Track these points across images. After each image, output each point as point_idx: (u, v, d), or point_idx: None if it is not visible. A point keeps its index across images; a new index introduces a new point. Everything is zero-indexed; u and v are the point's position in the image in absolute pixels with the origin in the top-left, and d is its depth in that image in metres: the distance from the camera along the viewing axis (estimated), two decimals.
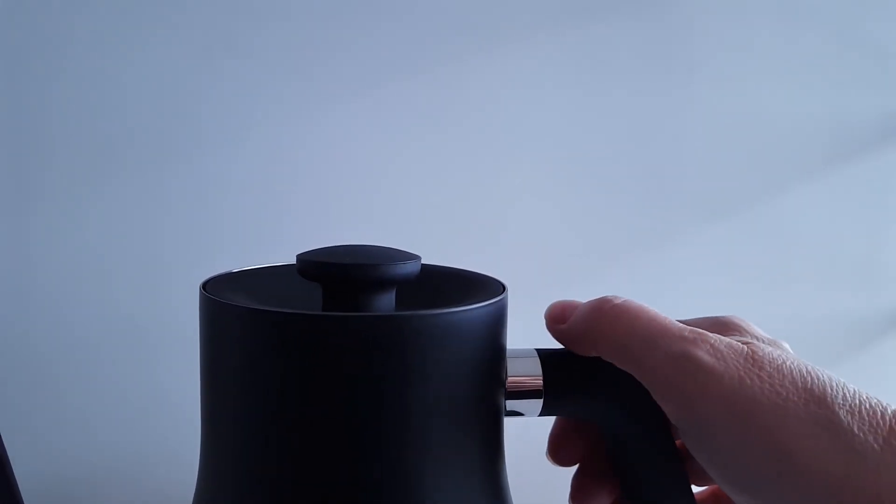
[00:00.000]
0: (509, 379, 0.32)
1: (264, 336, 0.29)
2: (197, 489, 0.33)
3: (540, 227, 0.58)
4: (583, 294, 0.57)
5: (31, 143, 0.52)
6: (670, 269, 0.60)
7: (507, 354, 0.32)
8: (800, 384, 0.26)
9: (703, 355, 0.27)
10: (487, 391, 0.31)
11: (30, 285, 0.53)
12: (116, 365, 0.54)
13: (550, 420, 0.35)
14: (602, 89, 0.58)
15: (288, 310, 0.29)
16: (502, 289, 0.33)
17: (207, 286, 0.32)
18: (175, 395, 0.53)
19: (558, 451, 0.34)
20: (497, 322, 0.31)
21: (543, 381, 0.32)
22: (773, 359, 0.26)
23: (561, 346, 0.34)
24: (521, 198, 0.57)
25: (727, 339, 0.28)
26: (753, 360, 0.26)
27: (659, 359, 0.27)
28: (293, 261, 0.33)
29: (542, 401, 0.32)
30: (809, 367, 0.26)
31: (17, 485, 0.36)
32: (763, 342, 0.29)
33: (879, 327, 0.64)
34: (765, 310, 0.62)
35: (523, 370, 0.32)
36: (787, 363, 0.26)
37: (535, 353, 0.33)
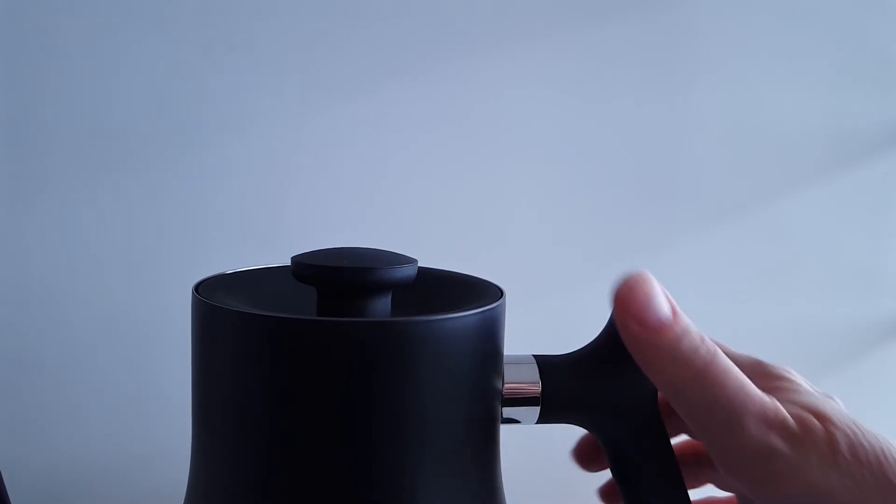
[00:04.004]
0: (506, 386, 0.32)
1: (257, 341, 0.28)
2: (187, 493, 0.32)
3: (538, 230, 0.57)
4: (584, 297, 0.57)
5: (26, 142, 0.51)
6: (670, 274, 0.59)
7: (505, 360, 0.32)
8: (876, 470, 0.25)
9: (783, 447, 0.26)
10: (484, 398, 0.31)
11: (24, 284, 0.52)
12: (110, 363, 0.53)
13: (549, 428, 0.34)
14: (602, 92, 0.57)
15: (281, 314, 0.28)
16: (500, 294, 0.32)
17: (200, 288, 0.32)
18: (170, 394, 0.53)
19: (586, 457, 0.34)
20: (494, 328, 0.31)
21: (541, 388, 0.32)
22: (851, 444, 0.26)
23: (559, 353, 0.33)
24: (520, 201, 0.57)
25: (807, 419, 0.27)
26: (831, 445, 0.26)
27: (738, 441, 0.27)
28: (288, 262, 0.32)
29: (539, 408, 0.32)
30: (886, 450, 0.26)
31: (3, 484, 0.36)
32: (815, 395, 0.28)
33: (880, 333, 0.63)
34: (764, 315, 0.61)
35: (521, 377, 0.32)
36: (864, 445, 0.26)
37: (533, 360, 0.32)
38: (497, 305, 0.31)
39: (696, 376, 0.27)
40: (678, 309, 0.28)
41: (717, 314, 0.60)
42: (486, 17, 0.55)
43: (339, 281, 0.31)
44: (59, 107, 0.51)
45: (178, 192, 0.53)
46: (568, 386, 0.32)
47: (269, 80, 0.53)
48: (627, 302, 0.27)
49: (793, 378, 0.30)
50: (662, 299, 0.27)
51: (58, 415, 0.53)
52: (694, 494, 0.33)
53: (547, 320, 0.54)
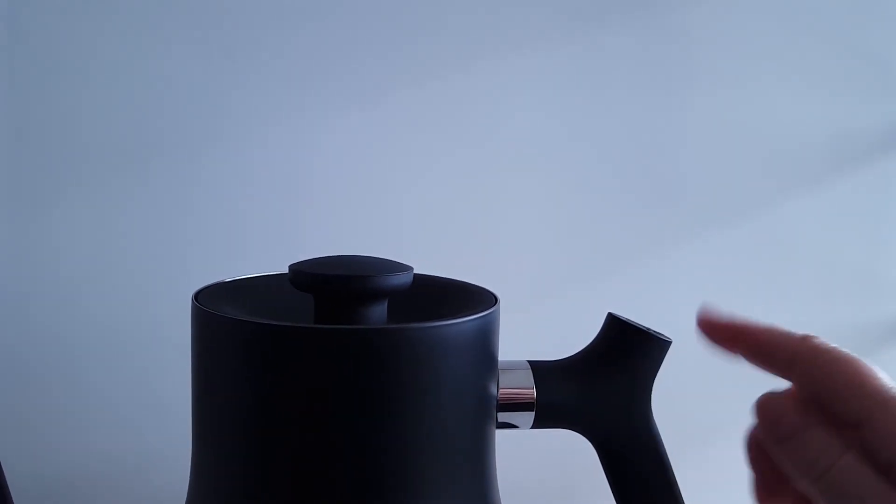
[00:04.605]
0: (501, 391, 0.32)
1: (256, 348, 0.29)
2: (189, 496, 0.33)
3: (534, 236, 0.57)
4: (578, 303, 0.57)
5: (28, 150, 0.52)
6: (668, 278, 0.59)
7: (500, 366, 0.32)
8: None
9: None
10: (479, 403, 0.31)
11: (24, 290, 0.53)
12: (110, 368, 0.54)
13: (544, 432, 0.35)
14: (601, 99, 0.57)
15: (280, 322, 0.29)
16: (494, 300, 0.33)
17: (199, 296, 0.32)
18: (170, 400, 0.53)
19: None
20: (489, 334, 0.31)
21: (536, 393, 0.32)
22: None
23: (553, 359, 0.34)
24: (514, 208, 0.57)
25: None
26: None
27: None
28: (285, 270, 0.33)
29: (533, 413, 0.32)
30: None
31: (7, 486, 0.36)
32: None
33: (879, 336, 0.63)
34: (764, 318, 0.62)
35: (515, 382, 0.32)
36: None
37: (528, 365, 0.33)
38: (491, 312, 0.31)
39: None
40: None
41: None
42: (483, 28, 0.55)
43: (337, 289, 0.31)
44: (58, 115, 0.52)
45: (178, 201, 0.54)
46: (562, 391, 0.32)
47: (268, 91, 0.54)
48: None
49: None
50: None
51: (59, 420, 0.54)
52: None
53: (541, 326, 0.54)
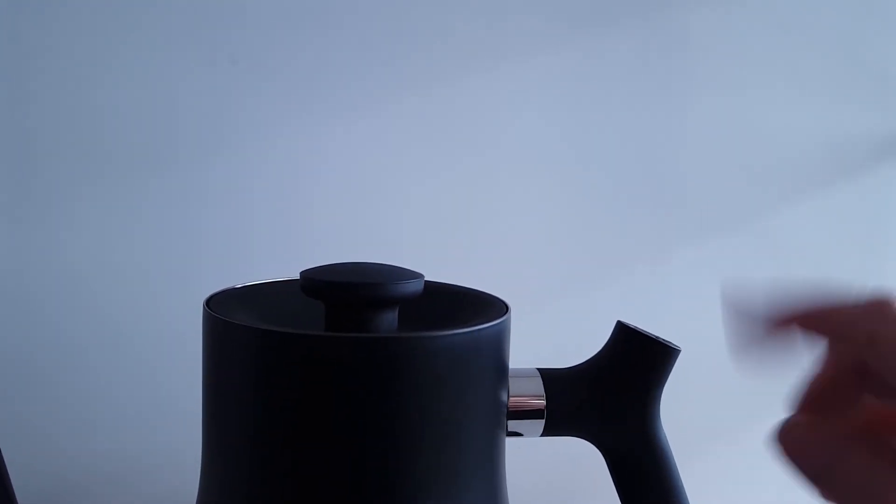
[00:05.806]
0: (511, 399, 0.32)
1: (270, 356, 0.29)
2: (198, 500, 0.33)
3: (543, 244, 0.58)
4: (587, 310, 0.57)
5: (38, 154, 0.52)
6: (668, 284, 0.59)
7: (510, 374, 0.32)
8: None
9: None
10: (490, 412, 0.31)
11: (30, 290, 0.53)
12: (116, 369, 0.54)
13: (550, 441, 0.35)
14: (605, 105, 0.57)
15: (293, 330, 0.29)
16: (505, 308, 0.33)
17: (211, 303, 0.32)
18: (179, 403, 0.53)
19: None
20: (500, 342, 0.31)
21: (546, 402, 0.32)
22: None
23: (563, 367, 0.34)
24: (525, 214, 0.57)
25: None
26: None
27: None
28: (295, 276, 0.33)
29: (543, 422, 0.32)
30: None
31: (12, 487, 0.36)
32: None
33: None
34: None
35: (526, 390, 0.32)
36: None
37: (538, 373, 0.33)
38: (503, 320, 0.31)
39: None
40: None
41: (715, 323, 0.61)
42: (484, 33, 0.55)
43: (348, 296, 0.31)
44: (63, 116, 0.52)
45: (189, 206, 0.53)
46: (572, 399, 0.33)
47: (281, 98, 0.54)
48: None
49: None
50: None
51: (69, 422, 0.54)
52: None
53: (549, 333, 0.54)
